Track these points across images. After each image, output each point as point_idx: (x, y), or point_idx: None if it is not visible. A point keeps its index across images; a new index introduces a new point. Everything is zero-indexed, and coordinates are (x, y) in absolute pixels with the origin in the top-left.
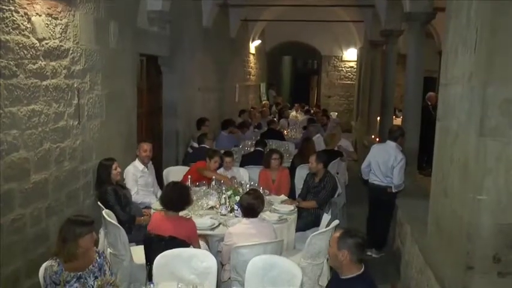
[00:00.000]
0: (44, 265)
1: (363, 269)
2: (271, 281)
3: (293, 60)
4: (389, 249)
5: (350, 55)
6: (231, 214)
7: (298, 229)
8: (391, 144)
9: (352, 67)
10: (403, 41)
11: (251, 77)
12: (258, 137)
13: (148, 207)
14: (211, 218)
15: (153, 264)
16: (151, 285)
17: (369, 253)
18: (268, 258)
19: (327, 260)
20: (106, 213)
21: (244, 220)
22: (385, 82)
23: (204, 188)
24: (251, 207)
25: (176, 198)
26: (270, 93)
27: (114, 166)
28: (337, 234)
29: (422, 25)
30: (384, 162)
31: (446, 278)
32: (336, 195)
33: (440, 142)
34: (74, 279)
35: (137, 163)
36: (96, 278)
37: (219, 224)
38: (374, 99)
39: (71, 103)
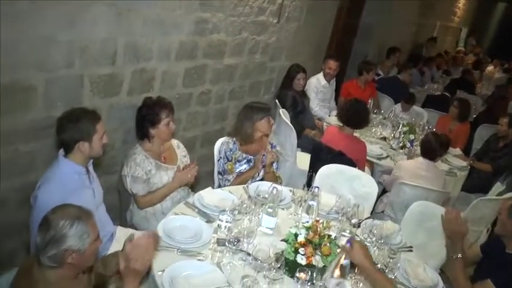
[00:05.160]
0: (221, 140)
1: None
2: (428, 230)
3: (508, 9)
4: None
5: None
6: (401, 150)
7: (463, 188)
8: None
9: None
10: None
11: (455, 18)
12: (448, 82)
13: (320, 119)
14: (380, 147)
15: (315, 172)
16: (316, 189)
17: None
18: (432, 207)
19: (487, 230)
20: (282, 111)
21: (420, 159)
22: None
23: (381, 117)
24: (433, 149)
25: (355, 114)
26: (469, 40)
27: (299, 76)
28: (510, 202)
29: None
30: None
31: None
32: None
33: None
34: (245, 160)
35: (321, 77)
36: (263, 166)
37: (387, 156)
38: None
39: (274, 1)
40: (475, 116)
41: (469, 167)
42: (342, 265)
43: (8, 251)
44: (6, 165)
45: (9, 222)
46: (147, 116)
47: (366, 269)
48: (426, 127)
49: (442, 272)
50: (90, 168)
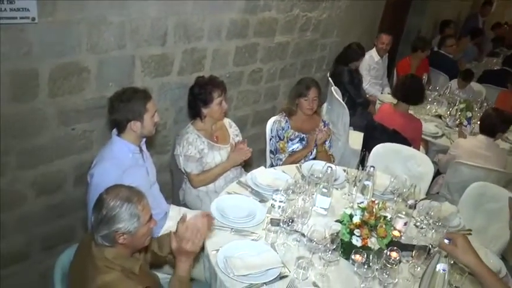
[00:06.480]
0: (273, 118)
1: None
2: (487, 213)
3: None
4: None
5: None
6: (457, 128)
7: None
8: None
9: None
10: None
11: None
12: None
13: (372, 96)
14: (436, 125)
15: (369, 151)
16: (372, 168)
17: None
18: (492, 188)
19: None
20: (334, 89)
21: (480, 136)
22: None
23: (436, 93)
24: (493, 124)
25: (411, 90)
26: None
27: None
28: None
29: None
30: None
31: None
32: None
33: None
34: (297, 139)
35: (374, 53)
36: (315, 145)
37: (443, 134)
38: None
39: None
40: None
41: None
42: (436, 272)
43: (67, 228)
44: (64, 144)
45: (68, 199)
46: (200, 96)
47: (476, 267)
48: (485, 104)
49: (503, 257)
50: (144, 147)
